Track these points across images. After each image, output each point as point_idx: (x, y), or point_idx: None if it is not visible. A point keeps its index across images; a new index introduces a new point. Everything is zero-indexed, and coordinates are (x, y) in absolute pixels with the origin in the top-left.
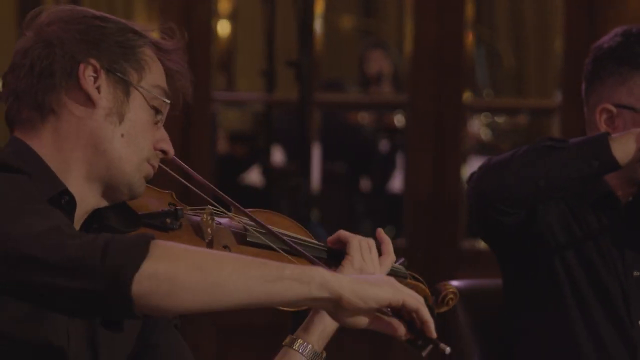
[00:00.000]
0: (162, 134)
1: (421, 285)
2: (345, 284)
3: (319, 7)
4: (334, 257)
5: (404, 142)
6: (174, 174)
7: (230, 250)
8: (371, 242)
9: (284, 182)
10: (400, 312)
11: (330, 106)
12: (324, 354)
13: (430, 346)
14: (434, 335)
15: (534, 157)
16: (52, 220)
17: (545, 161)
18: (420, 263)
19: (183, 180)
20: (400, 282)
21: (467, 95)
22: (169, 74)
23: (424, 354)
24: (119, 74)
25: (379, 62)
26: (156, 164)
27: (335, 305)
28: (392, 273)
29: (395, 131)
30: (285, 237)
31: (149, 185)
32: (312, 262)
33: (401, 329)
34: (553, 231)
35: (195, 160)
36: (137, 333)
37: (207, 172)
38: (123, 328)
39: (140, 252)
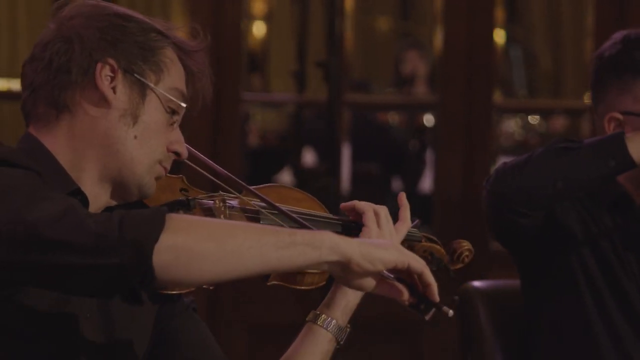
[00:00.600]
0: (177, 135)
1: (436, 245)
2: (354, 247)
3: (349, 9)
4: (350, 229)
5: (434, 142)
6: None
7: None
8: (385, 210)
9: (314, 183)
10: (404, 275)
11: (360, 107)
12: (349, 328)
13: (433, 309)
14: (437, 298)
15: (551, 158)
16: (65, 202)
17: (562, 162)
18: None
19: (193, 165)
20: (415, 245)
21: (497, 96)
22: (189, 74)
23: (427, 317)
24: (136, 75)
25: (413, 63)
26: (168, 165)
27: (344, 268)
28: (407, 238)
29: (426, 131)
30: (297, 216)
31: None
32: None
33: (405, 293)
34: (570, 231)
35: (226, 161)
36: (153, 321)
37: (238, 173)
38: (143, 301)
39: (157, 224)
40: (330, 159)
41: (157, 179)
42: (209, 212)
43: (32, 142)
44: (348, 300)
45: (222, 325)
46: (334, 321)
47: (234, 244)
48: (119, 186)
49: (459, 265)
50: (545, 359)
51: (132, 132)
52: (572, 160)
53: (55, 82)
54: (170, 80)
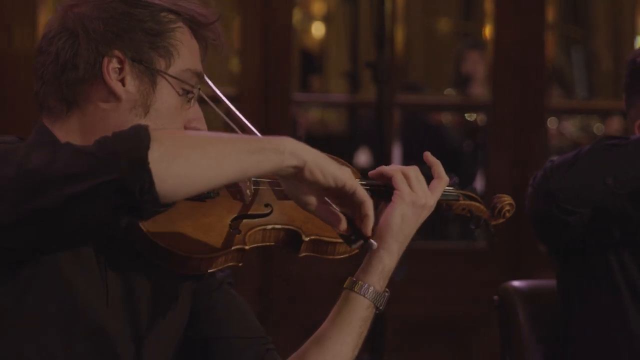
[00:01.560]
0: (195, 112)
1: (475, 203)
2: (311, 154)
3: (400, 9)
4: (382, 194)
5: (485, 143)
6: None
7: (272, 208)
8: (415, 169)
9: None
10: (347, 206)
11: (411, 107)
12: (387, 292)
13: (361, 241)
14: (369, 232)
15: (599, 155)
16: (56, 146)
17: (611, 158)
18: (502, 263)
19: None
20: (453, 203)
21: (552, 96)
22: (206, 46)
23: (354, 246)
24: (144, 64)
25: (474, 63)
26: None
27: (298, 174)
28: (444, 197)
29: (479, 131)
30: None
31: None
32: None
33: (343, 222)
34: (611, 230)
35: None
36: (189, 303)
37: None
38: (148, 218)
39: (144, 136)
40: (379, 159)
41: None
42: (233, 188)
43: (46, 135)
44: (384, 264)
45: (275, 325)
46: (371, 287)
47: (216, 150)
48: None
49: (501, 220)
50: (583, 358)
51: (145, 123)
52: (620, 156)
53: (63, 79)
54: (182, 62)
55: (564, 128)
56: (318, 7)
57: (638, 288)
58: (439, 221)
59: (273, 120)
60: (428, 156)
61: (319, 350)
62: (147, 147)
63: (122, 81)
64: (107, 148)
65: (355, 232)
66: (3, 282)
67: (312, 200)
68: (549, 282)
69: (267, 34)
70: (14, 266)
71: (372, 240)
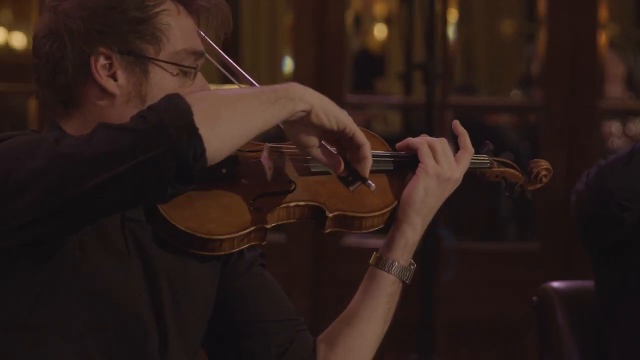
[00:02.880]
0: (199, 84)
1: (509, 169)
2: (317, 98)
3: (452, 12)
4: (406, 165)
5: (538, 144)
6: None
7: (296, 184)
8: (442, 142)
9: None
10: (345, 147)
11: (463, 108)
12: (413, 266)
13: (359, 183)
14: (366, 174)
15: None
16: (92, 129)
17: None
18: (554, 264)
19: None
20: (486, 171)
21: (601, 97)
22: (204, 14)
23: (351, 188)
24: (133, 55)
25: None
26: None
27: (304, 118)
28: (476, 165)
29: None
30: None
31: None
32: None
33: (341, 165)
34: None
35: None
36: (214, 284)
37: None
38: (192, 184)
39: (184, 103)
40: None
41: None
42: (255, 166)
43: (56, 130)
44: (407, 238)
45: (325, 325)
46: (395, 263)
47: (243, 106)
48: None
49: (538, 186)
50: (622, 358)
51: None
52: None
53: (55, 83)
54: (172, 45)
55: (630, 130)
56: (380, 9)
57: None
58: (494, 222)
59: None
60: (456, 125)
61: (346, 328)
62: (191, 113)
63: (114, 76)
64: (151, 121)
65: (352, 174)
66: (27, 275)
67: (314, 142)
68: (589, 283)
69: (320, 36)
70: (38, 260)
71: (369, 182)
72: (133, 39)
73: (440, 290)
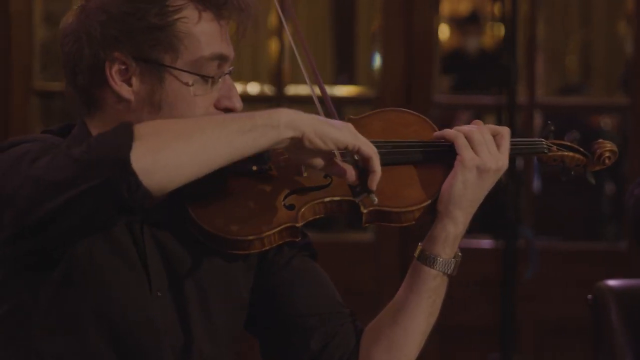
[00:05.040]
0: (225, 89)
1: (569, 152)
2: (308, 123)
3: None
4: (445, 155)
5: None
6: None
7: (332, 179)
8: (481, 130)
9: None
10: (358, 160)
11: (553, 109)
12: (457, 259)
13: (365, 194)
14: (374, 187)
15: None
16: (57, 148)
17: None
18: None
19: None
20: (542, 156)
21: None
22: (237, 15)
23: (357, 200)
24: (148, 62)
25: None
26: None
27: (297, 143)
28: (532, 149)
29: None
30: (387, 146)
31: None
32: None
33: (352, 174)
34: None
35: None
36: (248, 281)
37: None
38: (138, 214)
39: (126, 135)
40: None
41: None
42: (287, 162)
43: (82, 130)
44: (447, 232)
45: None
46: (438, 257)
47: (204, 136)
48: None
49: (599, 167)
50: None
51: (160, 117)
52: None
53: (77, 83)
54: (190, 53)
55: None
56: (463, 8)
57: None
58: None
59: None
60: (477, 122)
61: (390, 323)
62: (129, 147)
63: (129, 81)
64: (92, 152)
65: (362, 184)
66: (38, 282)
67: (317, 162)
68: None
69: (409, 36)
70: (46, 265)
71: (373, 195)
72: (149, 46)
73: (525, 289)
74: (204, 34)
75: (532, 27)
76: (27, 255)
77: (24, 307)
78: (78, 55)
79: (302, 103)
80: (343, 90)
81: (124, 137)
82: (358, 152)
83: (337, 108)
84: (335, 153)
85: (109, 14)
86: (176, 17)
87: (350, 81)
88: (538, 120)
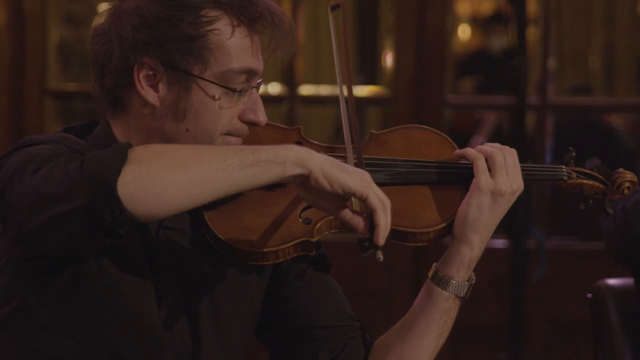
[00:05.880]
0: (251, 102)
1: (588, 181)
2: (317, 162)
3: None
4: (463, 177)
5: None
6: None
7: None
8: (504, 153)
9: None
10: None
11: (564, 109)
12: (470, 282)
13: (372, 250)
14: (380, 242)
15: None
16: (56, 160)
17: None
18: None
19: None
20: (561, 183)
21: None
22: (271, 30)
23: (364, 255)
24: (177, 70)
25: None
26: (244, 132)
27: (304, 182)
28: (550, 177)
29: None
30: (407, 166)
31: (274, 123)
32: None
33: (362, 226)
34: None
35: None
36: (260, 291)
37: None
38: (123, 237)
39: (118, 158)
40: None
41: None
42: None
43: (105, 131)
44: (462, 256)
45: None
46: (451, 280)
47: (200, 168)
48: None
49: (617, 196)
50: None
51: (183, 126)
52: None
53: (104, 82)
54: (219, 65)
55: None
56: (485, 8)
57: None
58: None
59: (426, 122)
60: (467, 153)
61: (399, 340)
62: (118, 172)
63: (156, 87)
64: (85, 171)
65: (370, 237)
66: (44, 284)
67: (324, 204)
68: None
69: (421, 36)
70: (53, 268)
71: (379, 252)
72: (179, 54)
73: (536, 290)
74: (236, 47)
75: (545, 28)
76: (30, 258)
77: (29, 307)
78: (108, 56)
79: (315, 103)
80: (363, 91)
81: (115, 160)
82: (365, 201)
83: (356, 108)
84: (353, 200)
85: (142, 18)
86: (209, 28)
87: (370, 81)
88: (550, 120)
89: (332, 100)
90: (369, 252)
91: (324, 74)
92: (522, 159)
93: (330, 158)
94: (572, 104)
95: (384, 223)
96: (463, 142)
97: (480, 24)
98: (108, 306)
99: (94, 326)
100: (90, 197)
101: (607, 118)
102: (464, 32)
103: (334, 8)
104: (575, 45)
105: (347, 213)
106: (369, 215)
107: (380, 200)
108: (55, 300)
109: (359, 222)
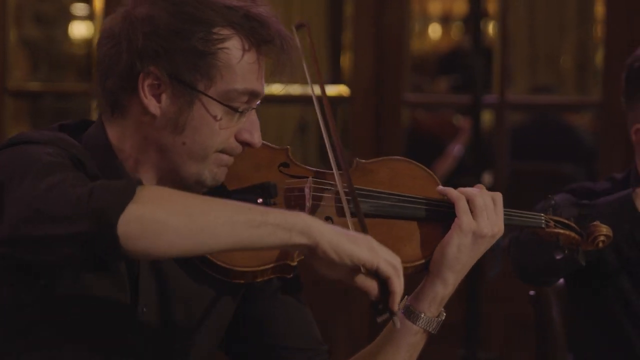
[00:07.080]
0: (248, 123)
1: (565, 231)
2: (325, 233)
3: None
4: (444, 216)
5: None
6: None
7: (332, 223)
8: (485, 196)
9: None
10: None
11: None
12: (441, 318)
13: (387, 315)
14: (396, 307)
15: None
16: (59, 175)
17: None
18: None
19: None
20: (539, 231)
21: None
22: (277, 53)
23: (379, 319)
24: (182, 83)
25: None
26: (237, 152)
27: (311, 252)
28: (528, 224)
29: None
30: (394, 199)
31: (265, 142)
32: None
33: (376, 291)
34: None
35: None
36: (232, 305)
37: None
38: (111, 270)
39: (126, 195)
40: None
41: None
42: (296, 197)
43: (99, 132)
44: (435, 293)
45: None
46: (422, 314)
47: (206, 220)
48: (178, 183)
49: (591, 248)
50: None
51: (181, 140)
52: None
53: (106, 84)
54: (225, 83)
55: None
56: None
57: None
58: None
59: (384, 120)
60: (448, 192)
61: None
62: (121, 210)
63: (159, 97)
64: (91, 203)
65: (384, 302)
66: (24, 283)
67: (334, 273)
68: None
69: (379, 35)
70: (33, 270)
71: (396, 318)
72: (187, 68)
73: (490, 289)
74: (243, 69)
75: (502, 26)
76: (15, 259)
77: (7, 305)
78: (114, 59)
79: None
80: (329, 90)
81: (123, 196)
82: (377, 271)
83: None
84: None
85: (154, 27)
86: (220, 46)
87: (335, 80)
88: (509, 118)
89: (289, 99)
90: (384, 317)
91: None
92: (478, 156)
93: (337, 228)
94: (530, 102)
95: (399, 290)
96: (439, 149)
97: (454, 24)
98: (82, 314)
99: (69, 334)
100: (90, 228)
101: (572, 117)
102: (435, 31)
103: (299, 27)
104: (547, 45)
105: (359, 279)
106: (381, 279)
107: (391, 266)
108: (31, 304)
109: (372, 287)
